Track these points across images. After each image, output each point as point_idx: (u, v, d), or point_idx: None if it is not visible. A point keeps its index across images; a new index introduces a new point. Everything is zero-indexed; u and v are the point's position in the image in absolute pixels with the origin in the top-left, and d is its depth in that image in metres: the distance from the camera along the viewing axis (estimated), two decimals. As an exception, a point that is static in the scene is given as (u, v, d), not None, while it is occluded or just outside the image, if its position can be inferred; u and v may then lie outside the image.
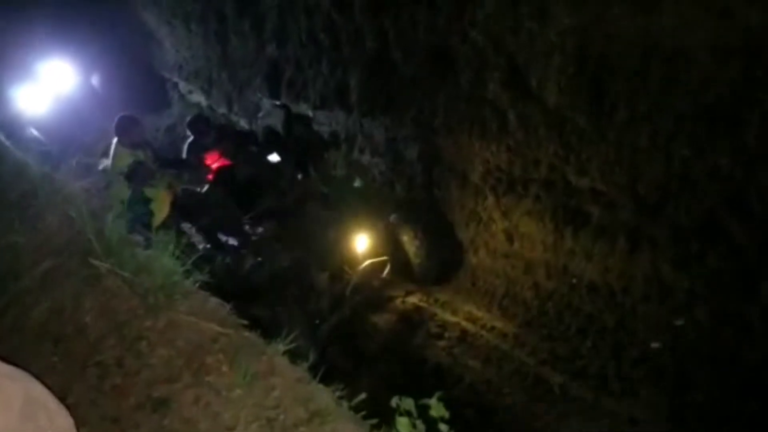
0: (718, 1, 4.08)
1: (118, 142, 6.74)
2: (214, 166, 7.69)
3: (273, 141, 8.10)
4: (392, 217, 7.33)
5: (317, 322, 6.34)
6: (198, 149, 8.29)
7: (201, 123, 8.53)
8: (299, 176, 8.03)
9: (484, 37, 5.64)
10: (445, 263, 7.17)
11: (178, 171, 7.34)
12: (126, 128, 6.82)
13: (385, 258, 7.09)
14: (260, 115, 8.57)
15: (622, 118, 4.91)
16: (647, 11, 4.47)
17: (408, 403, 2.20)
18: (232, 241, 6.87)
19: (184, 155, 8.14)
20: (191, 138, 8.04)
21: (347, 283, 6.76)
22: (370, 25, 6.85)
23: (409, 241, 7.16)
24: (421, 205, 7.35)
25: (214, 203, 7.03)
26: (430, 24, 6.09)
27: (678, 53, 4.45)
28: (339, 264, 6.87)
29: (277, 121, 8.22)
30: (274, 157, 7.76)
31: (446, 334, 6.52)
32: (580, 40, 4.96)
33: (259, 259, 6.73)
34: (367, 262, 6.92)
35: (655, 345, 4.37)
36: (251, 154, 7.88)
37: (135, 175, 6.37)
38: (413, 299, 7.11)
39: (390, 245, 7.20)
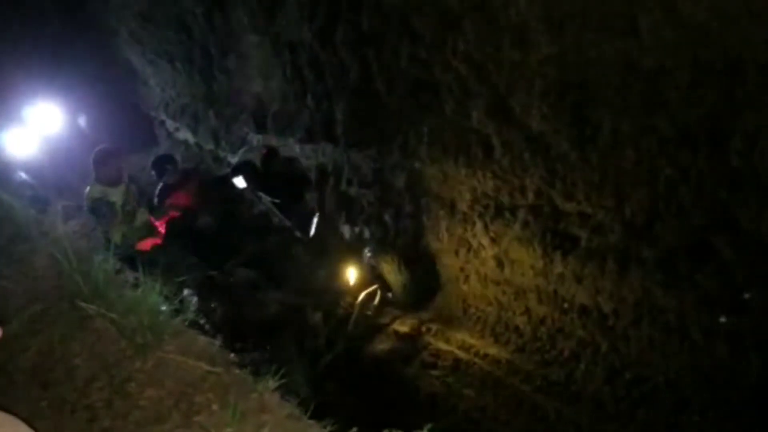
0: (696, 21, 4.13)
1: (95, 176, 6.63)
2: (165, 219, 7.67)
3: (246, 173, 8.09)
4: (367, 251, 7.47)
5: (314, 359, 6.33)
6: (164, 191, 8.29)
7: (165, 162, 8.55)
8: (276, 218, 8.08)
9: (467, 66, 5.69)
10: (424, 289, 7.31)
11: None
12: (102, 161, 6.68)
13: (375, 287, 7.18)
14: (242, 150, 8.57)
15: (606, 141, 4.95)
16: (624, 34, 4.52)
17: (398, 436, 2.19)
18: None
19: (155, 199, 8.14)
20: (159, 180, 8.07)
21: (341, 319, 6.77)
22: (352, 57, 6.90)
23: (389, 271, 7.27)
24: (394, 238, 7.46)
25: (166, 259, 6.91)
26: (412, 54, 6.14)
27: (657, 74, 4.50)
28: (331, 301, 6.91)
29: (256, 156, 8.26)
30: (240, 182, 7.76)
31: (439, 363, 6.50)
32: (560, 66, 5.02)
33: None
34: (363, 293, 6.96)
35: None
36: (217, 198, 7.92)
37: (97, 212, 6.33)
38: (405, 328, 7.10)
39: (371, 277, 7.32)
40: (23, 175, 8.65)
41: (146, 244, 6.78)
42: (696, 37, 4.20)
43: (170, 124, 11.90)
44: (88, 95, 11.54)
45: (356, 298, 7.03)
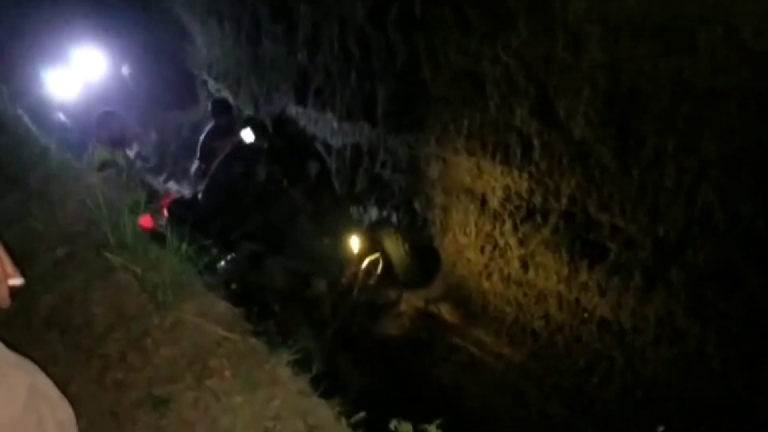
0: (755, 48, 4.04)
1: (96, 138, 6.74)
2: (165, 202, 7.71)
3: (255, 127, 8.12)
4: (369, 224, 7.60)
5: (320, 328, 6.36)
6: (214, 133, 8.28)
7: (223, 105, 8.54)
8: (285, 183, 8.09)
9: (516, 62, 5.62)
10: (425, 269, 7.37)
11: None
12: (104, 124, 6.81)
13: (377, 256, 7.20)
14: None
15: (648, 156, 4.87)
16: (681, 51, 4.43)
17: (406, 428, 2.17)
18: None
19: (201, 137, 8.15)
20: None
21: (345, 288, 6.77)
22: (402, 41, 6.85)
23: (392, 245, 7.30)
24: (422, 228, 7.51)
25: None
26: (462, 45, 6.08)
27: (709, 96, 4.42)
28: (335, 270, 6.92)
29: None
30: (247, 135, 7.79)
31: (453, 358, 6.48)
32: (612, 75, 4.93)
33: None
34: (366, 261, 7.02)
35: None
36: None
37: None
38: (422, 319, 7.09)
39: (374, 249, 7.33)
40: (62, 117, 8.72)
41: (147, 220, 6.85)
42: (754, 64, 4.11)
43: (212, 84, 11.92)
44: (134, 47, 11.59)
45: (359, 267, 7.03)
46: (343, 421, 2.42)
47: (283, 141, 8.23)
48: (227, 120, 8.78)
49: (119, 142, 7.09)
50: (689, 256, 4.83)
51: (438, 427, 2.33)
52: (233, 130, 8.51)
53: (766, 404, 4.46)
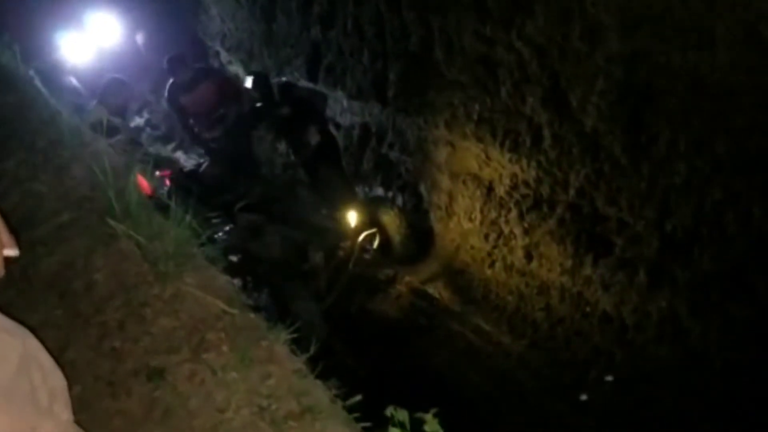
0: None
1: (100, 101, 6.71)
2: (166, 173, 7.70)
3: (258, 80, 8.07)
4: (368, 199, 7.66)
5: (317, 302, 6.37)
6: (174, 91, 8.18)
7: (177, 61, 8.42)
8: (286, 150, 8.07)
9: (531, 50, 5.56)
10: (423, 243, 7.43)
11: None
12: (111, 90, 6.78)
13: (374, 230, 7.30)
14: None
15: (660, 152, 4.82)
16: (699, 47, 4.37)
17: (402, 415, 2.15)
18: None
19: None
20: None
21: (341, 260, 6.76)
22: (416, 22, 6.78)
23: (389, 221, 7.41)
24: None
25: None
26: (477, 29, 6.01)
27: (725, 95, 4.36)
28: (332, 243, 6.92)
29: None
30: (249, 83, 7.78)
31: (451, 344, 6.48)
32: (627, 67, 4.87)
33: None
34: (362, 235, 7.07)
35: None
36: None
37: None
38: (421, 302, 7.08)
39: (371, 224, 7.43)
40: (73, 81, 8.68)
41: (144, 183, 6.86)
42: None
43: (224, 56, 11.85)
44: (149, 14, 11.51)
45: (355, 241, 7.04)
46: (339, 403, 2.41)
47: (288, 108, 8.13)
48: (184, 75, 8.64)
49: (121, 111, 7.10)
50: (696, 255, 4.80)
51: (435, 416, 2.31)
52: (196, 85, 8.45)
53: (764, 408, 4.44)
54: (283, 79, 8.87)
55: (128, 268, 2.87)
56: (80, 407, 2.31)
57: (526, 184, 6.08)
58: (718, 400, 4.72)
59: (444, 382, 6.02)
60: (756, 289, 4.46)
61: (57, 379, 1.77)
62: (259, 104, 8.10)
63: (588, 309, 5.69)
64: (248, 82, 8.06)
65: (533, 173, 5.95)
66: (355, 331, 6.51)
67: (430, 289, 7.20)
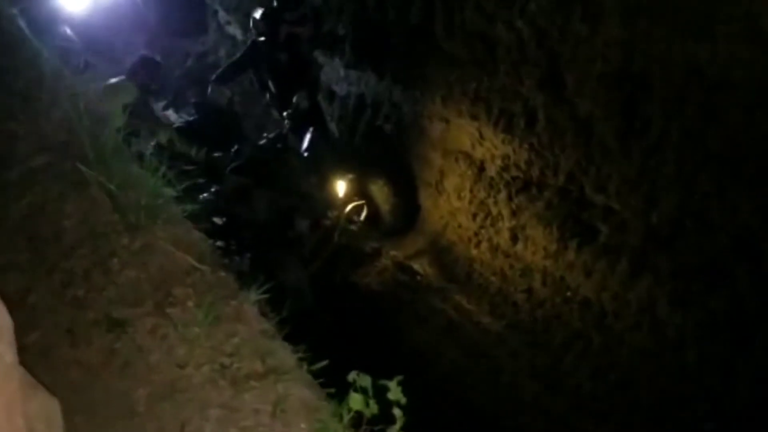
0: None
1: (128, 76, 6.71)
2: None
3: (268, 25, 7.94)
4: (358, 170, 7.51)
5: (300, 269, 6.32)
6: None
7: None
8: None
9: (531, 30, 5.48)
10: (411, 218, 7.46)
11: None
12: (142, 67, 6.80)
13: (362, 202, 7.21)
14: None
15: (652, 140, 4.78)
16: (698, 38, 4.32)
17: (365, 380, 2.10)
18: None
19: None
20: None
21: (328, 229, 6.73)
22: (418, -6, 6.70)
23: (378, 192, 7.40)
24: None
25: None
26: (478, 4, 5.92)
27: (720, 86, 4.31)
28: (319, 211, 6.86)
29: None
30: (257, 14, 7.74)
31: (432, 320, 6.46)
32: (626, 53, 4.81)
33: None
34: (350, 206, 6.99)
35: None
36: None
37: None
38: (405, 277, 7.05)
39: (360, 195, 7.33)
40: (67, 30, 8.55)
41: None
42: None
43: (222, 16, 11.67)
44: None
45: (343, 211, 6.98)
46: (304, 367, 2.36)
47: (287, 57, 7.98)
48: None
49: (148, 89, 7.15)
50: (679, 247, 4.77)
51: (399, 383, 2.27)
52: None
53: (736, 402, 4.44)
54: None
55: (98, 216, 2.81)
56: (37, 354, 2.27)
57: (517, 166, 6.02)
58: (691, 391, 4.72)
59: (420, 356, 6.02)
60: (737, 283, 4.44)
61: (1, 318, 1.70)
62: (261, 38, 7.93)
63: (569, 294, 5.67)
64: (256, 13, 7.90)
65: (525, 155, 5.89)
66: (335, 300, 6.46)
67: (415, 265, 7.16)
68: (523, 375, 5.67)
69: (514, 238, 6.19)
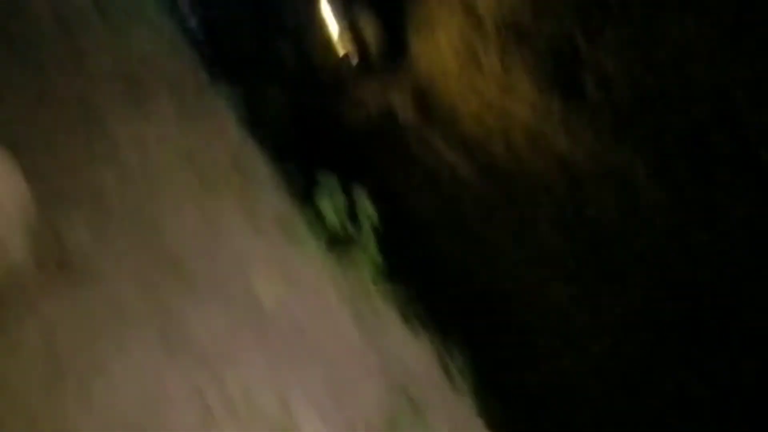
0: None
1: None
2: None
3: None
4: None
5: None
6: None
7: None
8: None
9: None
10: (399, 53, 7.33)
11: None
12: None
13: (350, 36, 7.20)
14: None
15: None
16: None
17: (331, 182, 2.12)
18: None
19: None
20: None
21: (312, 60, 6.65)
22: None
23: (367, 26, 7.29)
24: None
25: None
26: None
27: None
28: (308, 44, 6.74)
29: None
30: None
31: (408, 163, 6.49)
32: None
33: None
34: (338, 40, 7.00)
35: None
36: None
37: None
38: (388, 121, 7.01)
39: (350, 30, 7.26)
40: None
41: None
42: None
43: None
44: None
45: (332, 48, 6.96)
46: (272, 166, 2.38)
47: None
48: None
49: None
50: (662, 108, 4.73)
51: (367, 197, 2.30)
52: None
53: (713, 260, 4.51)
54: None
55: (73, 10, 2.70)
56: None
57: (513, 9, 5.84)
58: (660, 262, 4.82)
59: (390, 197, 6.06)
60: (715, 151, 4.44)
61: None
62: None
63: (547, 150, 5.66)
64: None
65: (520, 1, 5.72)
66: (313, 131, 6.42)
67: (398, 108, 7.10)
68: (489, 224, 5.75)
69: (500, 87, 6.11)
